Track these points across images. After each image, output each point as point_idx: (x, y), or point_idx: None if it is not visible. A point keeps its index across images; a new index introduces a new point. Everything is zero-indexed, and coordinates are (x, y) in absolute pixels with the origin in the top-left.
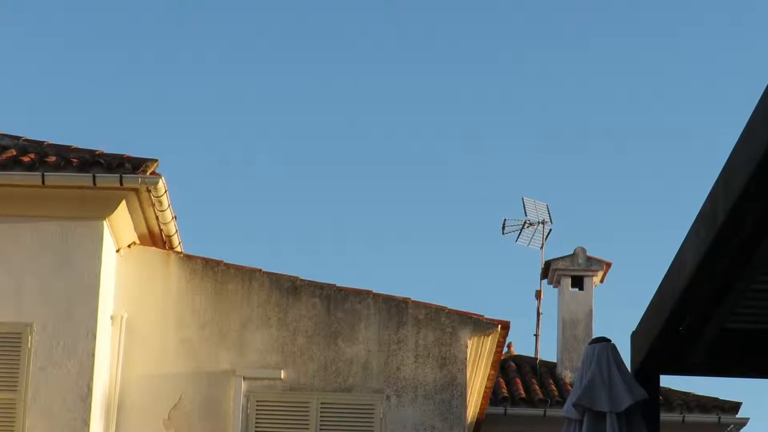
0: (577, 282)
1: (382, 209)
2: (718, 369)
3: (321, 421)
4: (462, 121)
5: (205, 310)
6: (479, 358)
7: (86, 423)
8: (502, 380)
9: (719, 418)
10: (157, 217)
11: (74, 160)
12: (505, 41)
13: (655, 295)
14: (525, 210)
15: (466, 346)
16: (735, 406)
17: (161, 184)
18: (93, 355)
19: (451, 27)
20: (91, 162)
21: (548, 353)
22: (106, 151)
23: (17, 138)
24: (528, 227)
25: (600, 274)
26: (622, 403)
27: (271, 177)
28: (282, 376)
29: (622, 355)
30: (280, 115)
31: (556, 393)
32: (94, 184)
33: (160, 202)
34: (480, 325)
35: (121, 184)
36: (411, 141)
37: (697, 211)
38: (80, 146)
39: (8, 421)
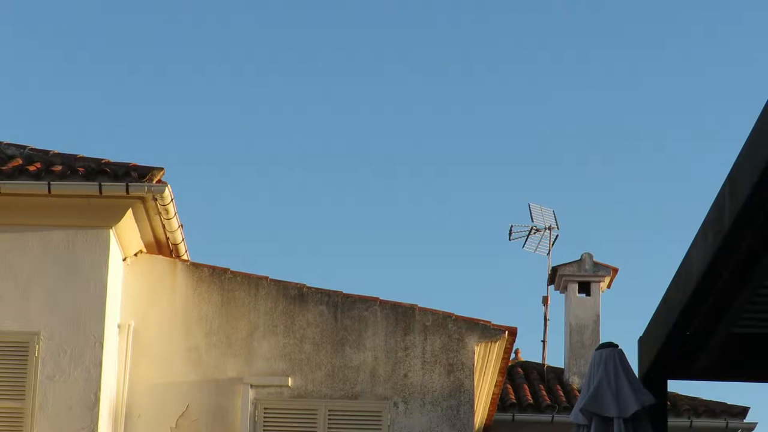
0: (584, 288)
1: (389, 216)
2: (726, 374)
3: (329, 428)
4: (469, 126)
5: (212, 318)
6: (487, 364)
7: None
8: (509, 386)
9: (727, 422)
10: (163, 226)
11: (80, 168)
12: (510, 48)
13: (662, 300)
14: (531, 216)
15: (474, 353)
16: (743, 411)
17: (167, 192)
18: (100, 364)
19: (456, 34)
20: (97, 171)
21: (555, 359)
22: (112, 160)
23: (23, 147)
24: (535, 233)
25: (607, 279)
26: (630, 409)
27: (278, 184)
28: (289, 384)
29: (629, 361)
30: (285, 122)
31: (563, 399)
32: (101, 192)
33: (167, 211)
34: (487, 331)
35: (128, 192)
36: (418, 147)
37: (704, 217)
38: (86, 155)
39: (16, 430)
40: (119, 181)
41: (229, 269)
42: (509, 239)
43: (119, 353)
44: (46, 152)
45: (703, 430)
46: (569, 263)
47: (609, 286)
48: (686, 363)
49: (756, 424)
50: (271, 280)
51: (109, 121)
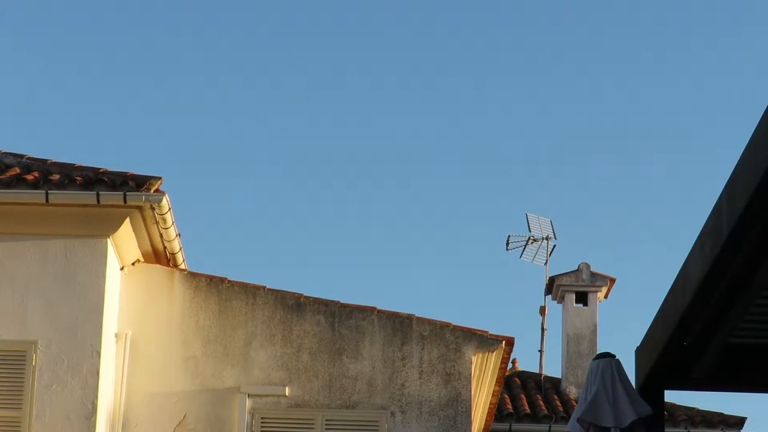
0: (582, 298)
1: (386, 226)
2: (723, 384)
3: None
4: (465, 137)
5: (210, 328)
6: (484, 374)
7: None
8: (506, 396)
9: None
10: (161, 235)
11: (78, 178)
12: (507, 57)
13: (659, 310)
14: (529, 226)
15: (471, 362)
16: (740, 421)
17: (165, 201)
18: (97, 373)
19: (453, 42)
20: (94, 180)
21: (553, 369)
22: (109, 169)
23: (21, 156)
24: (532, 243)
25: (604, 289)
26: (626, 419)
27: (276, 194)
28: (286, 393)
29: (626, 371)
30: (284, 132)
31: (560, 409)
32: (98, 202)
33: (164, 220)
34: (484, 341)
35: (125, 201)
36: (416, 157)
37: (702, 227)
38: (84, 164)
39: None
40: (117, 191)
41: (226, 278)
42: (507, 249)
43: (116, 362)
44: (44, 161)
45: None
46: (566, 273)
47: (606, 296)
48: (683, 373)
49: None
50: (269, 289)
51: (107, 130)
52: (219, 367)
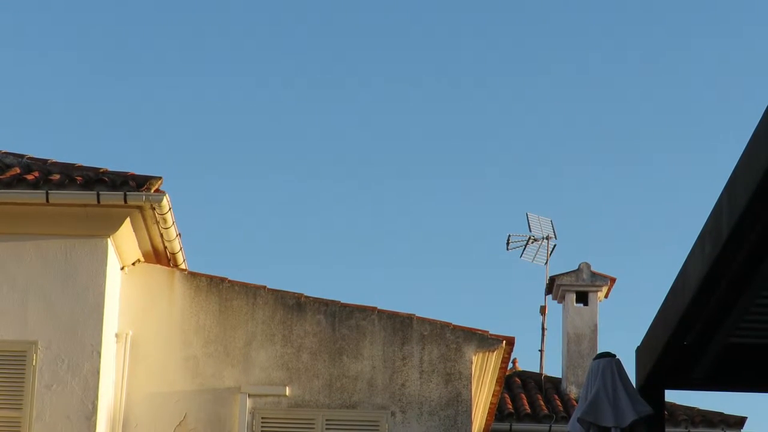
0: (582, 297)
1: (387, 226)
2: (723, 383)
3: None
4: (466, 136)
5: (210, 328)
6: (484, 373)
7: None
8: (507, 396)
9: None
10: (161, 235)
11: (78, 178)
12: (507, 58)
13: (659, 310)
14: (529, 226)
15: (471, 362)
16: (740, 421)
17: (165, 201)
18: (98, 373)
19: (450, 43)
20: (95, 180)
21: (553, 369)
22: (110, 169)
23: (21, 156)
24: (532, 243)
25: (604, 289)
26: (627, 419)
27: (276, 194)
28: (287, 393)
29: (627, 370)
30: (284, 131)
31: (561, 409)
32: (99, 201)
33: (165, 220)
34: (485, 340)
35: (126, 201)
36: (417, 157)
37: (702, 227)
38: (84, 164)
39: None
40: (117, 191)
41: (226, 278)
42: (507, 249)
43: (117, 362)
44: (44, 161)
45: None
46: (567, 273)
47: (606, 296)
48: (684, 373)
49: None
50: (269, 289)
51: (107, 131)
52: (219, 367)
